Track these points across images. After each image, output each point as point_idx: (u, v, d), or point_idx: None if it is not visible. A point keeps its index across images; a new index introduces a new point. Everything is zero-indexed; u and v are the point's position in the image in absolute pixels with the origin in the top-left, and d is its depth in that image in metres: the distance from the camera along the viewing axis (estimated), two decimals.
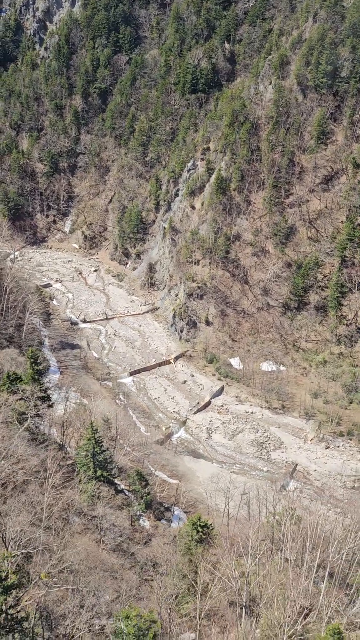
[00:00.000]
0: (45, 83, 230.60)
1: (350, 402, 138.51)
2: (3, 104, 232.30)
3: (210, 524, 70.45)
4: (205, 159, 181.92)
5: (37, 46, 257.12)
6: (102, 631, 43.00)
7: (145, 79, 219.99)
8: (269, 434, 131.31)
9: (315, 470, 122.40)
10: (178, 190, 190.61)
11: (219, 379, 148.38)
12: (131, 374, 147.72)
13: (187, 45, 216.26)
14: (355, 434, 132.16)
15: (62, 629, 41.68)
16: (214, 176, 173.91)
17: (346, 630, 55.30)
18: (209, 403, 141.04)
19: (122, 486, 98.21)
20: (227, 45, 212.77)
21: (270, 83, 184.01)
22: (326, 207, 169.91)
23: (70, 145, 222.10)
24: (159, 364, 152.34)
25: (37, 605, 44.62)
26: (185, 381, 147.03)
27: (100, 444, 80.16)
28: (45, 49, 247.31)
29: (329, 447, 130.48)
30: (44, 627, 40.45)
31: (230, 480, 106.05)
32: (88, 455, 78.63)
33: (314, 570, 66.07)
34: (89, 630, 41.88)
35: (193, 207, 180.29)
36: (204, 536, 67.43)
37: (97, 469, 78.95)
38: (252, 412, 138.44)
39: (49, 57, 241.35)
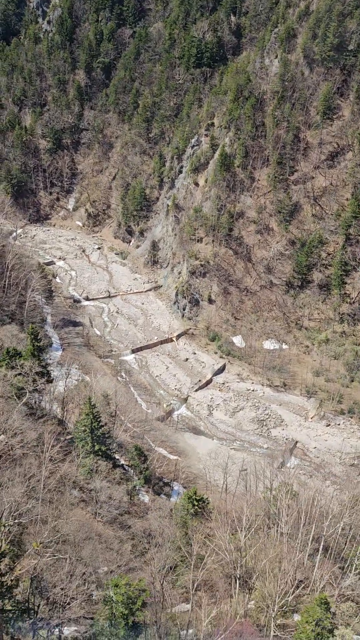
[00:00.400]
0: (48, 57, 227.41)
1: (352, 381, 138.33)
2: (6, 79, 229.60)
3: (206, 498, 71.04)
4: (209, 135, 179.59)
5: (40, 19, 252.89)
6: (90, 599, 43.74)
7: (149, 53, 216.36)
8: (270, 411, 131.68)
9: (315, 447, 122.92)
10: (182, 167, 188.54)
11: (220, 357, 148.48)
12: (133, 351, 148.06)
13: (192, 17, 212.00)
14: (356, 412, 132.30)
15: (53, 596, 42.44)
16: (217, 152, 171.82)
17: (337, 601, 55.92)
18: (210, 381, 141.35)
19: (122, 461, 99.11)
20: (232, 18, 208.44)
21: (276, 57, 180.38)
22: (331, 184, 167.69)
23: (74, 121, 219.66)
24: (161, 342, 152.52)
25: (30, 574, 45.32)
26: (187, 359, 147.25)
27: (98, 419, 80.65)
28: (48, 22, 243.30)
29: (329, 424, 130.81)
30: (34, 595, 41.20)
31: (230, 457, 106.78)
32: (86, 430, 79.20)
33: (308, 544, 66.65)
34: (79, 598, 42.60)
35: (197, 184, 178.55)
36: (199, 510, 68.07)
37: (95, 443, 79.59)
38: (253, 390, 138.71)
39: (51, 30, 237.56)
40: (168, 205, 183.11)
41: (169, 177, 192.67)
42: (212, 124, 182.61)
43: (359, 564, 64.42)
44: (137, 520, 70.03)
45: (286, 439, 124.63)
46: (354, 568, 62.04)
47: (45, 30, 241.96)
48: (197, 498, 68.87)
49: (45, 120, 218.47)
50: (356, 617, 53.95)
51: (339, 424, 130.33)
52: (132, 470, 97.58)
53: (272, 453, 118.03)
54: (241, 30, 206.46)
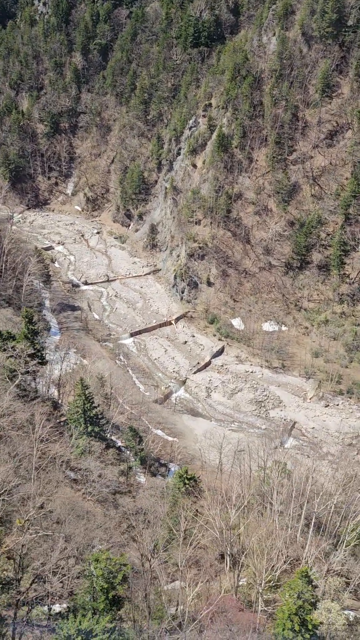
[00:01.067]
0: (45, 40, 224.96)
1: (351, 361, 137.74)
2: (2, 62, 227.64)
3: (198, 477, 71.13)
4: (206, 115, 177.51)
5: (35, 1, 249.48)
6: (69, 572, 43.93)
7: (146, 34, 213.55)
8: (268, 392, 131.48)
9: (313, 427, 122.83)
10: (180, 148, 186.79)
11: (219, 339, 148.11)
12: (132, 335, 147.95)
13: None
14: (355, 392, 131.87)
15: (38, 572, 42.68)
16: (215, 133, 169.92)
17: (326, 576, 55.99)
18: (209, 363, 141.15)
19: (120, 443, 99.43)
20: None
21: (274, 34, 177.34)
22: (330, 163, 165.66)
23: (71, 104, 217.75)
24: (160, 325, 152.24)
25: (12, 549, 45.52)
26: (185, 342, 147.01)
27: (91, 400, 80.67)
28: (44, 4, 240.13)
29: (328, 405, 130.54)
30: (16, 569, 41.47)
31: (225, 437, 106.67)
32: (79, 412, 79.28)
33: (298, 521, 66.69)
34: (59, 572, 42.80)
35: (195, 166, 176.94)
36: (190, 488, 68.14)
37: (88, 424, 79.68)
38: (252, 372, 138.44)
39: (47, 12, 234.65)
40: (166, 188, 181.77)
41: (167, 160, 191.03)
42: (210, 105, 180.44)
43: (350, 540, 64.45)
44: (130, 500, 70.30)
45: (284, 420, 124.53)
46: (344, 544, 62.03)
47: (41, 12, 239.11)
48: (188, 477, 68.93)
49: (42, 104, 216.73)
50: (344, 591, 54.04)
51: (337, 405, 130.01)
52: (128, 452, 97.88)
53: (269, 434, 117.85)
54: (239, 8, 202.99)
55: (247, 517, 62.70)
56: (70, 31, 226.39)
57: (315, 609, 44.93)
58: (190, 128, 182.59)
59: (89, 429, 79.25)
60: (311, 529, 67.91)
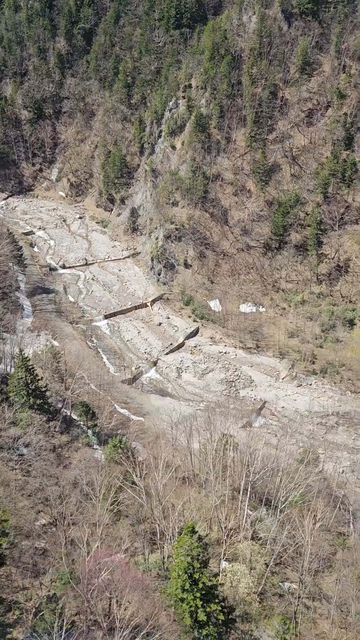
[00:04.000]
0: (28, 26, 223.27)
1: (326, 340, 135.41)
2: None
3: (134, 448, 69.76)
4: (186, 96, 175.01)
5: None
6: None
7: (129, 16, 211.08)
8: (240, 373, 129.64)
9: (283, 407, 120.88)
10: (161, 131, 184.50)
11: (194, 321, 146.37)
12: (106, 317, 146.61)
13: None
14: (329, 372, 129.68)
15: None
16: (193, 113, 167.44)
17: (242, 540, 54.39)
18: (182, 344, 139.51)
19: (78, 419, 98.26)
20: None
21: (255, 13, 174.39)
22: (311, 142, 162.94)
23: (55, 90, 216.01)
24: (136, 307, 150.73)
25: None
26: (160, 323, 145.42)
27: (33, 373, 79.40)
28: None
29: (301, 385, 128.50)
30: None
31: (181, 413, 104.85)
32: (20, 384, 78.03)
33: (236, 490, 65.09)
34: None
35: (174, 148, 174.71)
36: (123, 457, 66.75)
37: (31, 397, 78.46)
38: (225, 352, 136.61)
39: None
40: (146, 171, 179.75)
41: (149, 143, 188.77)
42: (190, 86, 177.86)
43: (284, 508, 62.83)
44: (64, 471, 68.99)
45: (254, 399, 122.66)
46: (270, 512, 60.38)
47: None
48: (122, 446, 67.55)
49: (25, 89, 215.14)
50: (260, 555, 52.43)
51: (310, 384, 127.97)
52: (87, 428, 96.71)
53: (238, 413, 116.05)
54: None
55: (174, 483, 61.20)
56: (54, 16, 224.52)
57: (205, 567, 43.23)
58: (170, 110, 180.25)
59: (31, 401, 78.03)
60: (240, 497, 66.32)
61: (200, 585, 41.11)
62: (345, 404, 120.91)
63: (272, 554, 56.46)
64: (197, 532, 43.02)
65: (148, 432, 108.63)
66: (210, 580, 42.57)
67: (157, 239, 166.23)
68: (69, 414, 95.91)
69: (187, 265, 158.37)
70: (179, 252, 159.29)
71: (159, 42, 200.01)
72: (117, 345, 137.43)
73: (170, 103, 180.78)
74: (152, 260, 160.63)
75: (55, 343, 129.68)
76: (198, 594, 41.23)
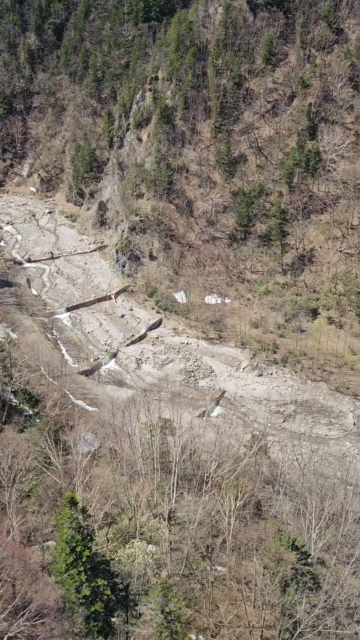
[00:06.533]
0: None
1: (287, 330, 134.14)
2: None
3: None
4: (152, 88, 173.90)
5: None
6: None
7: (99, 11, 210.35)
8: (200, 363, 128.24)
9: (241, 396, 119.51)
10: (129, 124, 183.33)
11: (157, 312, 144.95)
12: (68, 309, 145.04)
13: None
14: (290, 361, 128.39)
15: None
16: (158, 105, 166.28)
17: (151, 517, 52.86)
18: (144, 335, 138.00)
19: (21, 407, 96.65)
20: None
21: (220, 4, 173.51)
22: (277, 133, 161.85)
23: (25, 85, 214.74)
24: (99, 300, 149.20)
25: None
26: (123, 315, 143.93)
27: None
28: None
29: (262, 374, 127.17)
30: None
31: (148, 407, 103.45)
32: None
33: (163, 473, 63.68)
34: None
35: (140, 140, 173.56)
36: (48, 440, 65.26)
37: None
38: (187, 343, 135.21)
39: None
40: (113, 164, 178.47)
41: (117, 136, 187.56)
42: (156, 78, 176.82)
43: (209, 489, 61.35)
44: None
45: (212, 389, 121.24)
46: (194, 494, 58.96)
47: None
48: (48, 429, 66.09)
49: None
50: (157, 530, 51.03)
51: (271, 374, 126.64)
52: (33, 416, 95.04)
53: (195, 402, 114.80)
54: None
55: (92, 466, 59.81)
56: (24, 11, 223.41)
57: (90, 541, 41.60)
58: (137, 102, 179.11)
59: None
60: (172, 481, 64.86)
61: (84, 559, 39.59)
62: (304, 393, 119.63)
63: (192, 536, 54.95)
64: (77, 502, 41.49)
65: (101, 422, 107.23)
66: (97, 555, 41.05)
67: (123, 231, 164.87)
68: (15, 402, 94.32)
69: (152, 257, 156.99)
70: (143, 244, 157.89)
71: (128, 36, 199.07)
72: (78, 337, 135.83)
73: (138, 96, 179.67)
74: (117, 252, 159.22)
75: (13, 335, 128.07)
76: (82, 568, 39.68)
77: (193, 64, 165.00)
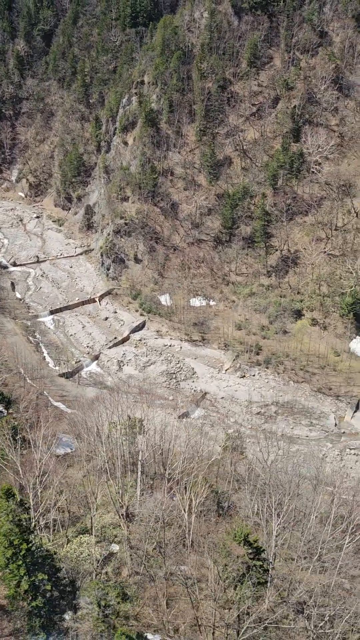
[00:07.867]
0: None
1: (270, 331, 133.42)
2: None
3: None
4: (138, 92, 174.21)
5: None
6: None
7: (87, 17, 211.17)
8: (182, 365, 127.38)
9: (222, 398, 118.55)
10: (116, 128, 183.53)
11: (141, 315, 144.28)
12: (52, 312, 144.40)
13: None
14: (272, 363, 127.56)
15: None
16: (144, 108, 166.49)
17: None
18: (127, 338, 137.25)
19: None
20: None
21: (206, 9, 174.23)
22: (261, 135, 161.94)
23: (14, 91, 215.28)
24: (83, 303, 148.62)
25: None
26: (107, 318, 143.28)
27: None
28: None
29: (244, 376, 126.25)
30: None
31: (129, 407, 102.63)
32: None
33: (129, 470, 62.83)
34: None
35: (126, 143, 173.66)
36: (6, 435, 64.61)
37: None
38: (170, 345, 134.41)
39: None
40: (100, 168, 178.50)
41: (105, 141, 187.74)
42: (142, 82, 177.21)
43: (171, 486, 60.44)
44: None
45: (194, 391, 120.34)
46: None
47: None
48: (15, 427, 65.33)
49: None
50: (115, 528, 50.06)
51: (253, 375, 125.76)
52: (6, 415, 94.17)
53: (175, 404, 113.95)
54: None
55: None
56: (13, 18, 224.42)
57: (29, 534, 40.70)
58: (123, 107, 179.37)
59: None
60: (138, 478, 63.99)
61: (23, 552, 38.68)
62: (286, 394, 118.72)
63: (148, 533, 54.01)
64: (14, 495, 40.63)
65: (78, 423, 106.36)
66: (40, 550, 40.10)
67: (108, 234, 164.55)
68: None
69: (137, 260, 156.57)
70: (128, 247, 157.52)
71: (116, 41, 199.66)
72: (60, 339, 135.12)
73: (124, 100, 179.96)
74: (102, 255, 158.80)
75: None
76: (21, 562, 38.76)
77: (178, 68, 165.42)
